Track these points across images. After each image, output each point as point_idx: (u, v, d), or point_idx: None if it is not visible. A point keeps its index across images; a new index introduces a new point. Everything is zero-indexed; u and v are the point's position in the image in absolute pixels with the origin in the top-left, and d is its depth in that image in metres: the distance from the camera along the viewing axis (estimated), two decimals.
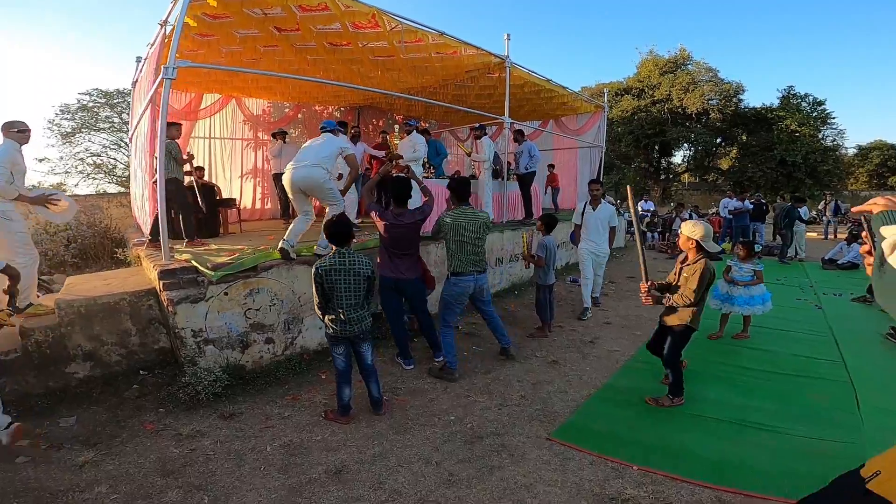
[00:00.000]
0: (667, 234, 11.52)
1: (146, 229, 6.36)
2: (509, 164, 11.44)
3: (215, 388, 3.53)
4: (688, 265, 3.40)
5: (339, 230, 3.19)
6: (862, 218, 1.14)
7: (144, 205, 6.17)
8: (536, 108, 10.33)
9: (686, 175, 32.45)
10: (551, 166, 11.27)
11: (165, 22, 5.91)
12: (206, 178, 8.57)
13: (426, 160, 6.94)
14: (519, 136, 8.84)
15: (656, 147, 28.12)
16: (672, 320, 3.50)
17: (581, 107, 10.54)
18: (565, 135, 11.67)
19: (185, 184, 6.10)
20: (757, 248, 11.70)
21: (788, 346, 4.92)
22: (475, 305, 4.29)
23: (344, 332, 3.18)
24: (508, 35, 7.11)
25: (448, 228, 3.93)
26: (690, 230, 3.38)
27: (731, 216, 11.71)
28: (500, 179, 7.38)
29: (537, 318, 5.25)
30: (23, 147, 4.20)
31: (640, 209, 13.60)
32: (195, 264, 3.98)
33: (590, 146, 11.44)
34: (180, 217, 5.71)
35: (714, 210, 16.55)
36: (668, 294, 3.46)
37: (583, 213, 5.91)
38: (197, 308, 3.68)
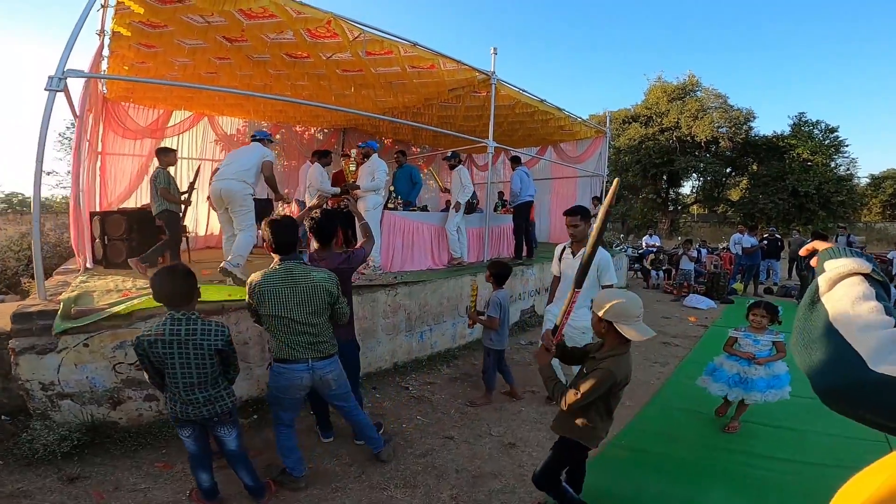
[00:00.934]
0: (673, 273, 10.53)
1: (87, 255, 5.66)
2: (501, 193, 10.69)
3: (62, 447, 2.92)
4: (592, 359, 2.23)
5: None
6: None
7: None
8: (531, 132, 9.56)
9: (695, 206, 31.50)
10: (501, 193, 10.25)
11: (102, 32, 5.30)
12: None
13: (392, 189, 6.09)
14: (514, 162, 7.95)
15: (664, 177, 27.29)
16: (557, 425, 2.39)
17: (580, 131, 9.76)
18: (564, 163, 10.86)
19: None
20: (773, 288, 10.78)
21: (816, 422, 3.77)
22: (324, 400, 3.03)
23: (185, 415, 2.33)
24: (495, 49, 6.39)
25: (258, 297, 2.53)
26: (598, 303, 2.15)
27: (742, 253, 10.75)
28: (477, 213, 6.46)
29: (514, 377, 4.35)
30: None
31: (644, 244, 12.64)
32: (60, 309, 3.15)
33: (590, 175, 10.61)
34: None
35: (724, 245, 15.57)
36: (563, 386, 2.25)
37: (560, 259, 3.92)
38: (45, 360, 3.01)
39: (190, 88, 7.07)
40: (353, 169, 6.16)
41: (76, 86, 5.55)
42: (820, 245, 0.91)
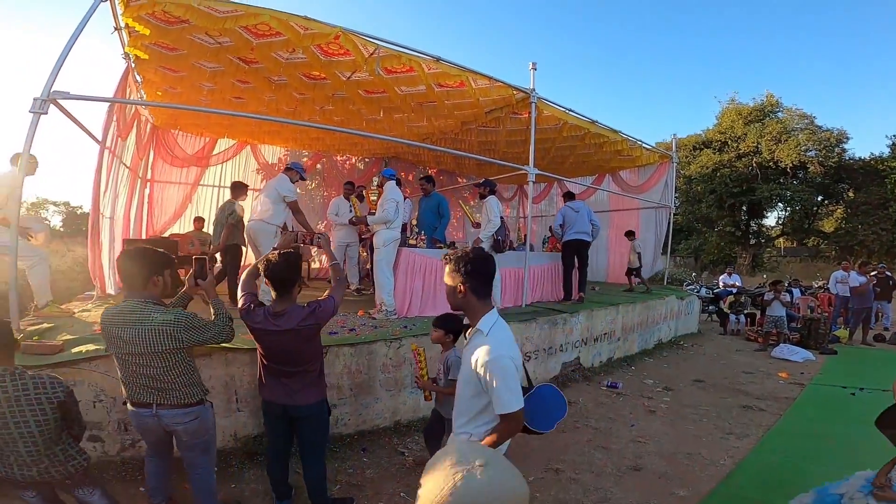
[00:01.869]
0: (758, 317, 9.03)
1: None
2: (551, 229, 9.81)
3: None
4: None
5: None
6: None
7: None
8: (584, 159, 8.68)
9: (781, 240, 28.39)
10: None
11: (126, 55, 5.22)
12: (205, 229, 7.81)
13: (413, 222, 5.45)
14: (566, 197, 7.33)
15: (744, 207, 24.81)
16: None
17: (641, 157, 8.71)
18: (625, 193, 9.81)
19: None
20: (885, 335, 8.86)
21: None
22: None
23: (22, 477, 1.92)
24: (534, 64, 5.73)
25: (103, 332, 2.23)
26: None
27: (847, 294, 9.03)
28: (507, 251, 5.59)
29: (532, 444, 3.50)
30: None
31: (721, 284, 11.07)
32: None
33: (656, 206, 9.47)
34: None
35: (820, 283, 13.48)
36: None
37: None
38: None
39: (226, 116, 7.06)
40: (375, 199, 5.66)
41: (99, 110, 5.58)
42: None
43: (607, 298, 6.85)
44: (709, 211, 24.39)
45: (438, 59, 4.84)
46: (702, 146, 25.29)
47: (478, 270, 1.78)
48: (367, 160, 9.88)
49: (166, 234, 8.02)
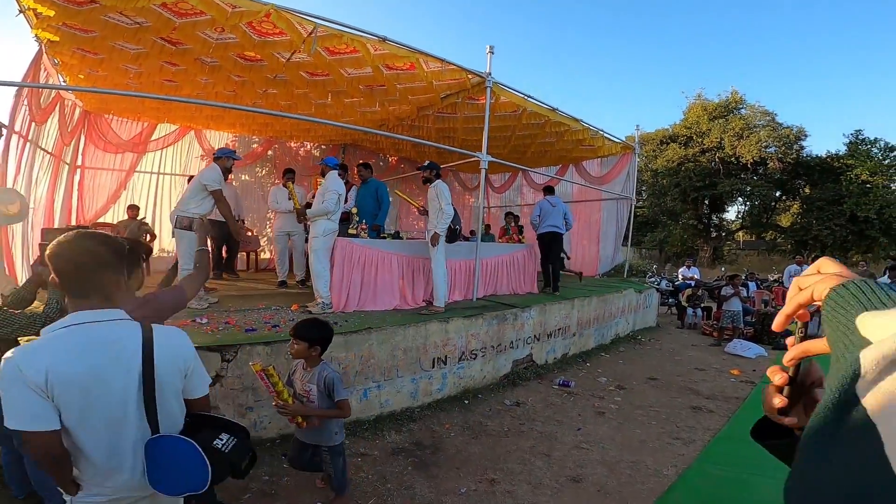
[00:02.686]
0: (714, 311, 9.09)
1: None
2: (511, 215, 9.69)
3: None
4: None
5: None
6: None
7: None
8: (546, 148, 8.49)
9: (741, 233, 29.15)
10: (510, 216, 8.49)
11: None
12: (140, 217, 7.31)
13: (354, 210, 5.11)
14: (546, 192, 7.31)
15: (706, 201, 25.34)
16: None
17: (603, 147, 8.58)
18: (587, 184, 9.70)
19: None
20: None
21: None
22: None
23: None
24: (491, 48, 5.43)
25: None
26: None
27: None
28: (459, 239, 5.31)
29: (481, 452, 3.28)
30: None
31: (680, 277, 11.14)
32: None
33: (617, 197, 9.40)
34: None
35: (775, 277, 13.80)
36: None
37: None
38: None
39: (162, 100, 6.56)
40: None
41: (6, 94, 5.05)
42: (828, 269, 0.50)
43: (563, 292, 6.70)
44: (673, 204, 24.76)
45: (384, 39, 4.51)
46: (668, 140, 25.60)
47: None
48: (323, 147, 9.45)
49: (99, 222, 7.52)
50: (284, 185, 5.89)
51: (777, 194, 24.57)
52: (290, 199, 5.44)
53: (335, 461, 2.55)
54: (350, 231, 4.89)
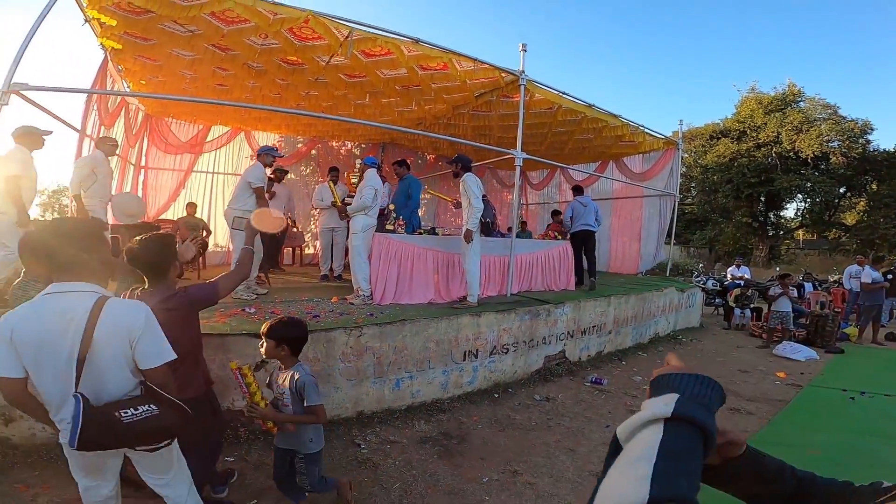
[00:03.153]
0: (764, 312, 8.69)
1: None
2: (556, 212, 9.63)
3: None
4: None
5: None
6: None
7: None
8: (583, 144, 8.40)
9: (800, 232, 27.47)
10: (555, 213, 8.72)
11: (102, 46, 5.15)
12: (198, 214, 7.84)
13: (391, 207, 5.27)
14: (575, 192, 7.56)
15: (762, 198, 24.03)
16: None
17: (644, 142, 8.40)
18: (628, 181, 9.50)
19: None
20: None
21: None
22: None
23: None
24: (524, 46, 5.47)
25: None
26: None
27: (861, 290, 8.60)
28: (495, 233, 5.36)
29: (504, 446, 3.35)
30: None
31: (729, 276, 10.69)
32: None
33: (660, 194, 9.16)
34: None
35: (835, 277, 12.98)
36: None
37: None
38: None
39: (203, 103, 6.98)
40: (356, 182, 5.55)
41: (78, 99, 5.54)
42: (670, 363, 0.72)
43: (600, 290, 6.64)
44: (725, 201, 23.64)
45: (417, 41, 4.65)
46: (719, 135, 24.47)
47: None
48: (363, 146, 9.74)
49: (161, 219, 8.09)
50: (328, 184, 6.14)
51: (841, 190, 22.97)
52: (332, 195, 5.67)
53: (310, 469, 2.39)
54: (387, 227, 5.07)
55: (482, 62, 5.21)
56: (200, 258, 7.80)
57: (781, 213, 25.99)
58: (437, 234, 5.53)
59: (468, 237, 4.80)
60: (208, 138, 8.57)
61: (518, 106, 6.05)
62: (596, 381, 5.06)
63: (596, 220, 7.05)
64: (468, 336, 4.35)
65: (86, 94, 5.19)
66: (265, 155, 5.04)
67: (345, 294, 5.03)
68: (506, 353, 4.72)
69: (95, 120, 5.57)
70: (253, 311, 4.10)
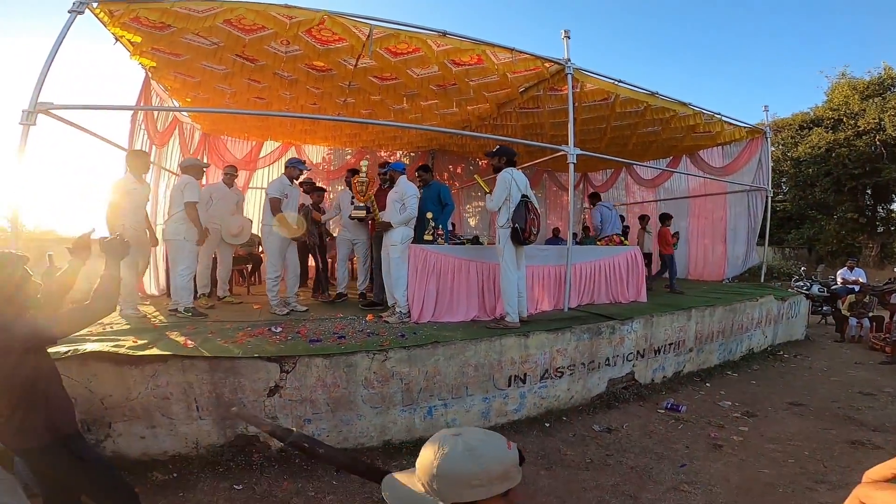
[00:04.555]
0: (886, 322, 7.27)
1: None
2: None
3: None
4: None
5: None
6: None
7: None
8: (650, 138, 7.53)
9: None
10: (664, 217, 7.70)
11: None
12: (253, 230, 7.91)
13: (429, 216, 4.76)
14: (593, 199, 7.44)
15: (868, 191, 21.09)
16: None
17: (723, 132, 7.38)
18: (707, 175, 8.44)
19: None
20: None
21: None
22: None
23: None
24: (567, 32, 4.89)
25: None
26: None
27: None
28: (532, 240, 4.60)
29: (539, 483, 2.74)
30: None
31: (840, 280, 9.12)
32: None
33: (748, 189, 8.05)
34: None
35: None
36: None
37: None
38: None
39: (261, 118, 7.01)
40: (362, 189, 5.09)
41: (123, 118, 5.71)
42: None
43: (676, 300, 5.77)
44: (824, 196, 21.01)
45: (445, 34, 4.26)
46: (810, 125, 21.93)
47: None
48: (412, 154, 9.48)
49: None
50: (353, 188, 5.47)
51: None
52: (353, 201, 5.30)
53: None
54: (426, 237, 4.63)
55: (520, 52, 4.69)
56: (256, 273, 7.88)
57: (892, 207, 22.64)
58: (481, 244, 5.00)
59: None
60: (261, 154, 8.70)
61: (567, 99, 5.49)
62: (672, 407, 4.27)
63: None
64: (514, 359, 3.77)
65: (131, 115, 5.28)
66: (291, 168, 4.90)
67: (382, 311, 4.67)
68: (560, 377, 4.07)
69: (145, 139, 5.68)
70: (279, 330, 3.81)
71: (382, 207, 5.00)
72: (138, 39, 4.05)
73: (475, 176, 5.47)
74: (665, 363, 5.05)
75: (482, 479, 0.80)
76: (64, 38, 3.51)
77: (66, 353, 2.95)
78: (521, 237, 4.00)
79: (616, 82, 5.46)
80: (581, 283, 5.49)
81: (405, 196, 4.41)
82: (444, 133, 6.88)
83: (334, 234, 7.60)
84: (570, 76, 4.90)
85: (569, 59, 4.88)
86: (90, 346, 3.09)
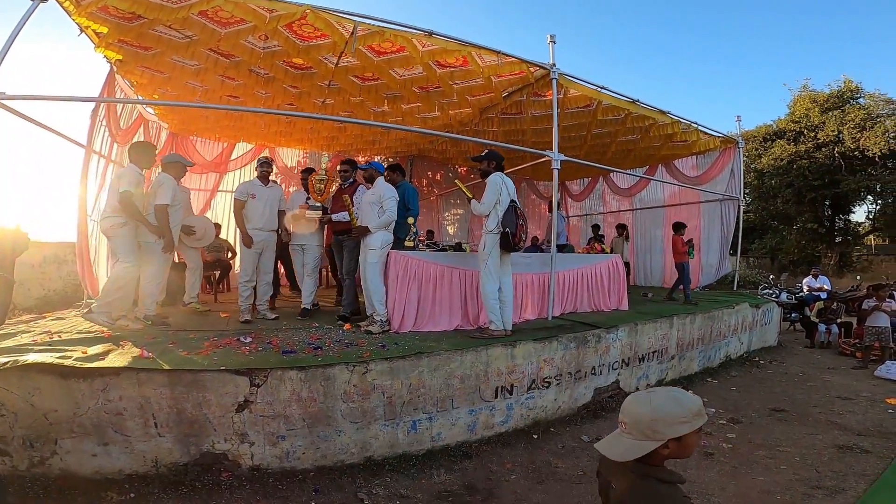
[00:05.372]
0: (854, 328, 7.46)
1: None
2: (596, 227, 8.85)
3: None
4: None
5: None
6: None
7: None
8: (629, 146, 7.58)
9: (871, 237, 24.93)
10: (678, 226, 7.43)
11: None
12: (223, 235, 7.58)
13: (410, 221, 4.58)
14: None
15: (826, 202, 22.01)
16: None
17: (699, 142, 7.48)
18: (683, 184, 8.54)
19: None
20: None
21: None
22: None
23: None
24: (552, 37, 4.85)
25: None
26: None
27: None
28: (521, 247, 4.46)
29: (534, 498, 2.62)
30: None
31: (805, 288, 9.39)
32: None
33: (720, 199, 8.19)
34: None
35: None
36: None
37: None
38: None
39: (233, 119, 6.72)
40: (321, 188, 4.82)
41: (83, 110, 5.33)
42: None
43: (660, 309, 5.77)
44: (786, 207, 21.83)
45: (431, 34, 4.12)
46: (773, 137, 22.76)
47: None
48: (390, 159, 9.28)
49: None
50: (310, 187, 5.06)
51: None
52: (308, 199, 4.93)
53: None
54: (406, 243, 4.45)
55: (507, 55, 4.60)
56: (224, 280, 7.51)
57: (849, 218, 23.73)
58: (463, 251, 4.86)
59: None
60: (232, 156, 8.34)
61: (551, 105, 5.44)
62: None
63: None
64: (500, 370, 3.63)
65: (91, 110, 4.93)
66: (258, 167, 4.77)
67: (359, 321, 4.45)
68: (547, 387, 3.95)
69: (106, 136, 5.33)
70: (248, 340, 3.57)
71: (337, 209, 4.73)
72: (105, 30, 3.77)
73: (456, 181, 5.25)
74: (649, 371, 5.01)
75: (687, 416, 1.14)
76: (23, 26, 3.21)
77: (5, 363, 2.67)
78: (511, 242, 3.88)
79: (599, 89, 5.44)
80: (564, 291, 5.42)
81: (384, 198, 4.22)
82: (426, 135, 6.72)
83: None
84: (555, 81, 4.84)
85: (554, 64, 4.83)
86: (32, 357, 2.82)
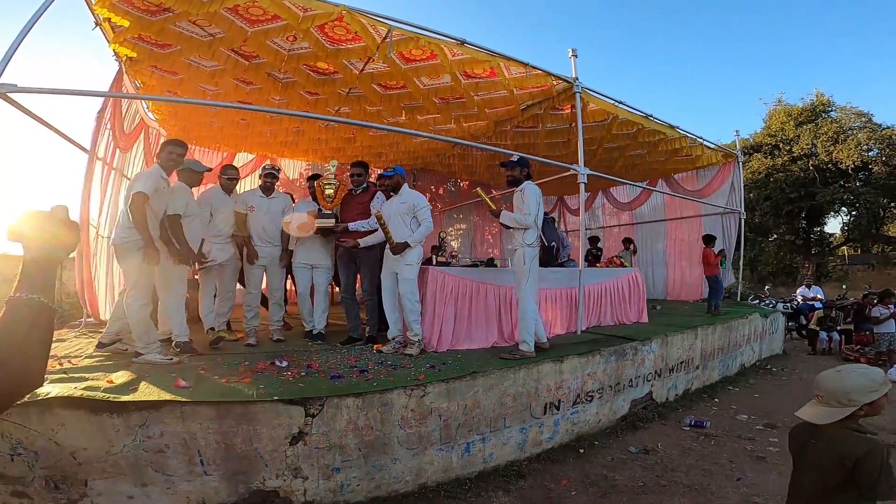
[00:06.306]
0: (854, 335, 7.60)
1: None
2: (594, 239, 8.83)
3: None
4: None
5: None
6: None
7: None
8: (636, 161, 7.66)
9: (845, 248, 25.82)
10: (708, 238, 7.31)
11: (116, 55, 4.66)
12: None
13: (441, 235, 4.50)
14: None
15: (802, 214, 22.71)
16: None
17: (702, 156, 7.64)
18: (687, 197, 8.65)
19: None
20: None
21: None
22: None
23: None
24: (574, 51, 4.86)
25: None
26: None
27: None
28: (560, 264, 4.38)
29: None
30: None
31: (800, 298, 9.60)
32: None
33: (722, 212, 8.32)
34: None
35: None
36: None
37: None
38: None
39: (238, 129, 6.52)
40: (331, 193, 4.29)
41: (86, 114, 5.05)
42: None
43: (682, 320, 5.77)
44: (763, 219, 22.43)
45: (463, 42, 4.07)
46: (751, 150, 23.48)
47: None
48: None
49: None
50: (318, 193, 4.44)
51: (884, 201, 21.53)
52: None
53: None
54: (440, 259, 4.27)
55: (535, 68, 4.59)
56: None
57: (824, 229, 24.57)
58: (495, 266, 4.74)
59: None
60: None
61: (568, 119, 5.47)
62: (696, 423, 4.17)
63: None
64: (549, 386, 3.52)
65: (97, 111, 4.67)
66: (261, 176, 4.64)
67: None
68: (590, 401, 3.85)
69: (109, 142, 5.06)
70: (285, 364, 3.35)
71: (349, 218, 4.23)
72: (126, 23, 3.54)
73: (477, 189, 4.55)
74: (677, 381, 4.98)
75: (876, 385, 1.51)
76: (40, 16, 2.99)
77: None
78: (555, 257, 3.79)
79: (617, 103, 5.49)
80: (590, 305, 5.35)
81: (417, 208, 3.88)
82: (438, 148, 6.63)
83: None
84: (578, 95, 4.84)
85: (577, 78, 4.84)
86: (51, 389, 2.53)
